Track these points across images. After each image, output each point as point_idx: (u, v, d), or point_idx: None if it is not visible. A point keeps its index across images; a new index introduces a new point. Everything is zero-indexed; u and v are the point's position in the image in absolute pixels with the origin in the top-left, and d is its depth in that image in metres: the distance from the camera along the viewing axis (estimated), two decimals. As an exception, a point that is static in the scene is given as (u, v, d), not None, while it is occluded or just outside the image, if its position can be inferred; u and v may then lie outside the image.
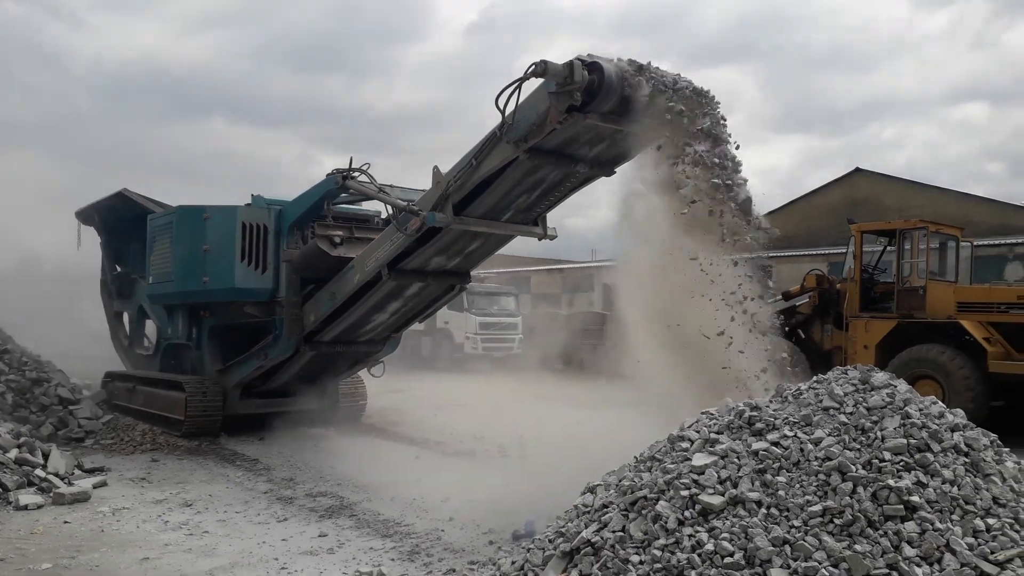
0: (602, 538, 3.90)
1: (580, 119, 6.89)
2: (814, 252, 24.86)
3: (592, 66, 6.64)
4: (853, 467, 3.74)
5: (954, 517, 3.60)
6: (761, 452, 3.97)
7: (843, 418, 4.07)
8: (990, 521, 3.61)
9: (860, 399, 4.18)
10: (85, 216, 13.64)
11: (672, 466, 4.11)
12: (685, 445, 4.29)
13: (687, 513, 3.80)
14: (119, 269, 13.48)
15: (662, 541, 3.72)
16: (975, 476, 3.79)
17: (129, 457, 9.57)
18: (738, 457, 3.99)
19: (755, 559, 3.50)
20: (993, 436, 4.29)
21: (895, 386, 4.30)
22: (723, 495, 3.81)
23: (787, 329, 12.79)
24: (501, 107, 6.92)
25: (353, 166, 9.04)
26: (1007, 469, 3.93)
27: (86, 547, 5.95)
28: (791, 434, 4.02)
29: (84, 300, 15.34)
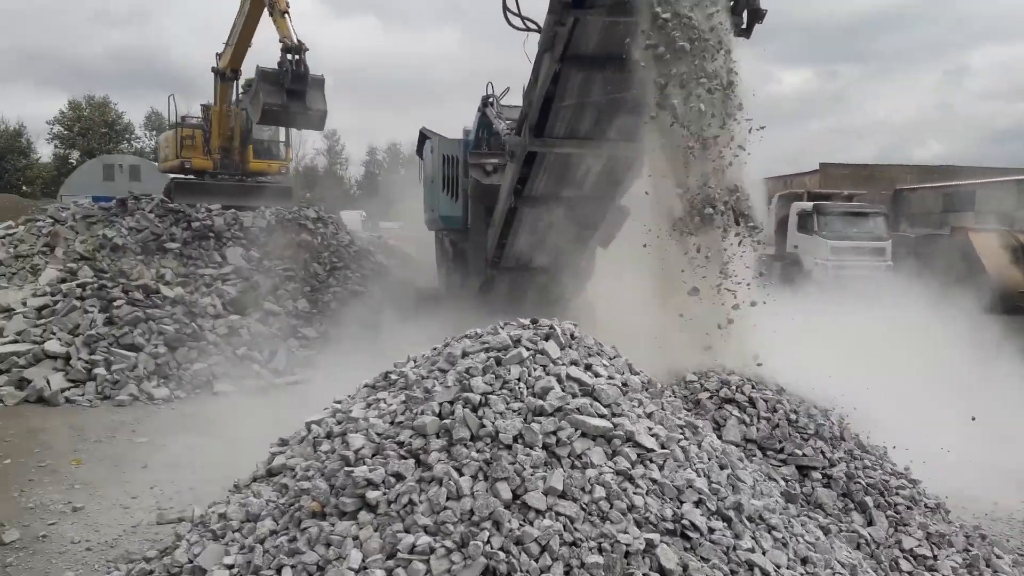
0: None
1: (583, 15, 6.02)
2: None
3: None
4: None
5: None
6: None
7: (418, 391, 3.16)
8: None
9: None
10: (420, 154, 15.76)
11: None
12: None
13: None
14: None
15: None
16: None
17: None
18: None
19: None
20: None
21: (521, 349, 3.13)
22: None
23: None
24: (507, 16, 6.37)
25: (492, 92, 8.97)
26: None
27: (117, 430, 7.56)
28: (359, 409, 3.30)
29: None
